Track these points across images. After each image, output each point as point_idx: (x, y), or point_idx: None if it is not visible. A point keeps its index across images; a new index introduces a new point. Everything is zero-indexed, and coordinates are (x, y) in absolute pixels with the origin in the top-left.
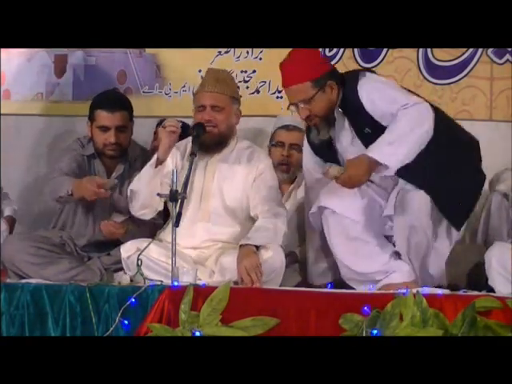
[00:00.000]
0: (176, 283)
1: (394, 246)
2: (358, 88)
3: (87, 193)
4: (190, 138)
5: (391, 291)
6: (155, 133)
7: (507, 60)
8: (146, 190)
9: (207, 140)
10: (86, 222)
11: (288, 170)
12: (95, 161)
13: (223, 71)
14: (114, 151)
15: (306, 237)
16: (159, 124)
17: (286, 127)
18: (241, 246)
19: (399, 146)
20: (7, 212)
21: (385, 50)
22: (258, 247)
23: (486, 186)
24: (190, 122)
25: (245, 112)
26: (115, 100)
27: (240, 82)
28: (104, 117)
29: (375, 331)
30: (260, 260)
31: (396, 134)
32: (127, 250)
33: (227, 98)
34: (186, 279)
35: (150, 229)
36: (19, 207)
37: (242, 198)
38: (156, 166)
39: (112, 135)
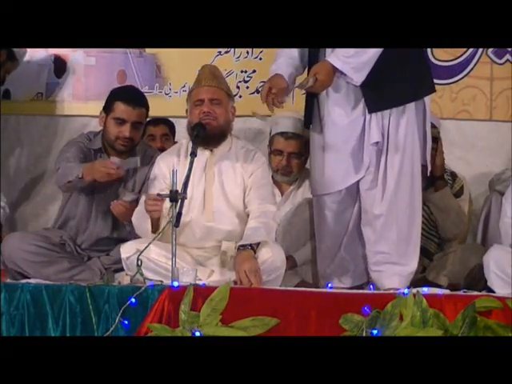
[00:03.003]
0: (176, 283)
1: None
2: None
3: (99, 174)
4: (183, 140)
5: (391, 291)
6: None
7: (507, 60)
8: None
9: (207, 133)
10: (88, 215)
11: (289, 174)
12: (103, 155)
13: (217, 68)
14: (124, 146)
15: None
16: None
17: (285, 134)
18: (239, 248)
19: (357, 55)
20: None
21: None
22: (256, 249)
23: (486, 186)
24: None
25: (245, 112)
26: (137, 96)
27: (240, 81)
28: (123, 110)
29: (375, 331)
30: (260, 260)
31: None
32: (127, 250)
33: (224, 93)
34: (185, 279)
35: None
36: (18, 207)
37: (241, 195)
38: (153, 228)
39: (128, 129)
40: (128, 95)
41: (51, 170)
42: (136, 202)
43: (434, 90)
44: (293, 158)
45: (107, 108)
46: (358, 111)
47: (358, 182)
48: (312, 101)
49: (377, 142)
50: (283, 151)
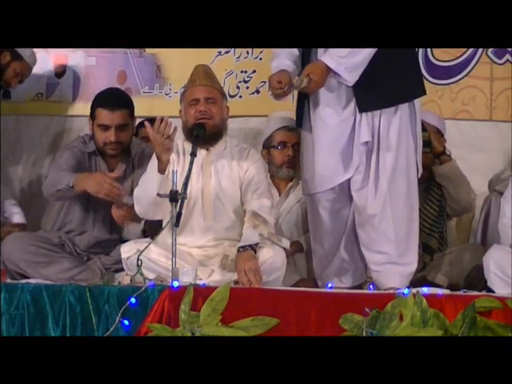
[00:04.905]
0: (176, 283)
1: None
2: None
3: (97, 187)
4: (178, 140)
5: (391, 291)
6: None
7: (507, 60)
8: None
9: (205, 132)
10: (85, 219)
11: (294, 167)
12: (97, 158)
13: (210, 67)
14: (114, 150)
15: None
16: (141, 124)
17: (287, 127)
18: (239, 250)
19: (350, 56)
20: (18, 219)
21: None
22: (255, 249)
23: (486, 186)
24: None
25: (245, 112)
26: (115, 98)
27: (240, 81)
28: (104, 115)
29: (375, 331)
30: (261, 260)
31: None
32: (127, 250)
33: (218, 92)
34: (185, 279)
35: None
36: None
37: (238, 193)
38: (161, 172)
39: (112, 134)
40: (106, 100)
41: (49, 166)
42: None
43: (424, 93)
44: (298, 150)
45: (92, 115)
46: (349, 111)
47: (349, 182)
48: (303, 100)
49: (366, 142)
50: (288, 142)
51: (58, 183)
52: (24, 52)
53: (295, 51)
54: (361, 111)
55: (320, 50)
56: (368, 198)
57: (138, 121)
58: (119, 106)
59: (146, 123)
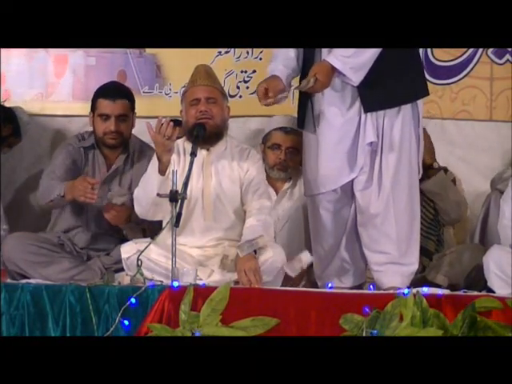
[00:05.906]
0: (176, 283)
1: None
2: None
3: (78, 193)
4: (178, 140)
5: (391, 291)
6: None
7: (507, 60)
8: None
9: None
10: (80, 214)
11: (285, 169)
12: (95, 152)
13: (210, 67)
14: (114, 140)
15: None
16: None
17: (284, 129)
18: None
19: (355, 56)
20: None
21: None
22: (256, 250)
23: (486, 186)
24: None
25: (245, 112)
26: (116, 89)
27: (240, 81)
28: (105, 105)
29: (375, 331)
30: (261, 260)
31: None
32: (127, 250)
33: (219, 92)
34: (185, 279)
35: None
36: (18, 207)
37: (238, 193)
38: (161, 173)
39: (112, 123)
40: (107, 90)
41: (44, 172)
42: (130, 201)
43: (427, 94)
44: (291, 154)
45: (93, 107)
46: (354, 111)
47: (352, 181)
48: (305, 101)
49: (371, 143)
50: (282, 145)
51: (50, 193)
52: (24, 129)
53: (291, 56)
54: (366, 111)
55: (323, 51)
56: (371, 199)
57: (136, 122)
58: (120, 97)
59: (148, 124)
